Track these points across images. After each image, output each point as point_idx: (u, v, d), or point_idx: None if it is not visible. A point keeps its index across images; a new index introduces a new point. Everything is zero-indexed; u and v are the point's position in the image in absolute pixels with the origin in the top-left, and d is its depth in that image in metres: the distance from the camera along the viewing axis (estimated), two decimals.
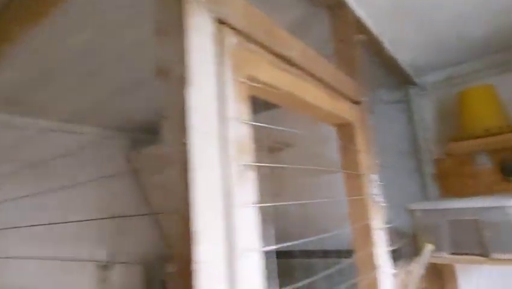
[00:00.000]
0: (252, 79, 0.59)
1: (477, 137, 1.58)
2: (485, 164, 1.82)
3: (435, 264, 1.83)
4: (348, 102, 1.00)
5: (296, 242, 0.66)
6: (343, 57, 1.08)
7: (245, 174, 0.53)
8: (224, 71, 0.53)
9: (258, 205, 0.54)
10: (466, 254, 1.17)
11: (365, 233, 0.94)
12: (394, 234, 1.37)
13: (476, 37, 1.62)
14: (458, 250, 1.18)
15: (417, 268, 1.13)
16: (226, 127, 0.52)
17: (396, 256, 1.25)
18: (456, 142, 1.64)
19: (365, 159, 1.00)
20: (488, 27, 1.54)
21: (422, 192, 1.93)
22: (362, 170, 0.98)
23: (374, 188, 1.00)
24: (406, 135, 2.05)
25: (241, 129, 0.54)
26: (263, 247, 0.53)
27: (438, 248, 1.20)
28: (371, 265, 0.92)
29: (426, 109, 2.02)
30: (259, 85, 0.58)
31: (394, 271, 1.00)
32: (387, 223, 1.07)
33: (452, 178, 1.91)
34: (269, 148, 1.69)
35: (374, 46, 1.49)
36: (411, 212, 1.25)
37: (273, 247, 0.54)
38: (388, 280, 0.96)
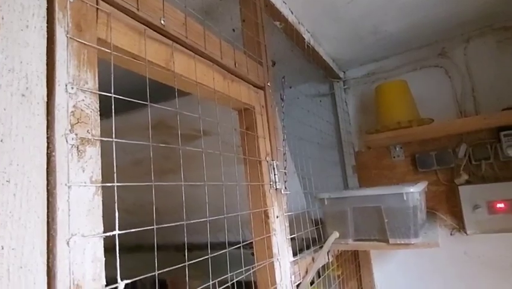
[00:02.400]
0: (103, 43, 0.52)
1: (390, 130, 1.65)
2: (399, 156, 1.91)
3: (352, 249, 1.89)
4: (250, 86, 0.97)
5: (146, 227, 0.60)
6: (249, 41, 1.04)
7: (82, 148, 0.46)
8: (55, 29, 0.45)
9: (97, 185, 0.47)
10: (369, 240, 1.20)
11: (263, 220, 0.92)
12: (311, 223, 1.37)
13: (392, 33, 1.69)
14: (361, 237, 1.21)
15: (321, 255, 1.13)
16: (60, 95, 0.45)
17: (309, 244, 1.25)
18: (372, 135, 1.70)
19: (266, 145, 0.98)
20: (401, 24, 1.61)
21: (344, 184, 1.99)
22: (262, 156, 0.95)
23: (275, 175, 0.98)
24: (331, 128, 2.10)
25: (81, 97, 0.47)
26: (100, 233, 0.47)
27: (344, 235, 1.22)
28: (268, 253, 0.90)
29: (348, 104, 2.08)
30: (108, 51, 0.52)
31: (292, 258, 0.99)
32: (290, 210, 1.06)
33: (371, 170, 1.99)
34: (186, 136, 1.62)
35: (295, 38, 1.48)
36: (320, 200, 1.26)
37: (113, 233, 0.48)
38: (286, 267, 0.95)
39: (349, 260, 1.84)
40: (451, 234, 1.77)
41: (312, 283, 1.57)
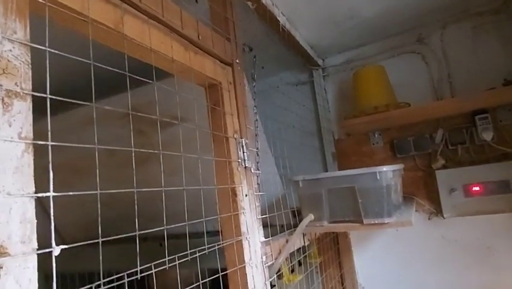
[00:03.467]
0: None
1: (368, 114, 1.64)
2: (378, 143, 1.91)
3: (333, 232, 1.88)
4: (216, 61, 0.94)
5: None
6: (216, 15, 1.01)
7: (8, 101, 0.42)
8: None
9: (27, 142, 0.44)
10: (344, 222, 1.19)
11: (230, 198, 0.89)
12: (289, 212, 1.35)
13: (368, 18, 1.68)
14: (336, 218, 1.20)
15: (294, 236, 1.11)
16: None
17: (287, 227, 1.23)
18: (350, 120, 1.69)
19: (234, 122, 0.95)
20: (377, 8, 1.60)
21: (324, 170, 1.98)
22: (229, 132, 0.92)
23: (244, 153, 0.95)
24: (311, 116, 2.09)
25: (7, 47, 0.44)
26: (31, 193, 0.43)
27: (319, 218, 1.20)
28: (235, 231, 0.88)
29: (328, 91, 2.07)
30: (43, 1, 0.48)
31: (263, 239, 0.97)
32: (265, 195, 1.03)
33: (350, 157, 1.99)
34: (161, 123, 1.58)
35: (269, 20, 1.45)
36: (295, 183, 1.24)
37: (47, 194, 0.45)
38: (256, 247, 0.92)
39: (328, 247, 1.83)
40: (429, 218, 1.77)
41: (292, 271, 1.55)
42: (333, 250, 1.89)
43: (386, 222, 1.10)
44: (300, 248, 1.36)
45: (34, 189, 0.44)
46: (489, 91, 1.50)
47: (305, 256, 1.61)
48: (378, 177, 1.11)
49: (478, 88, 1.66)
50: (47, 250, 0.44)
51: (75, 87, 1.44)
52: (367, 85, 1.71)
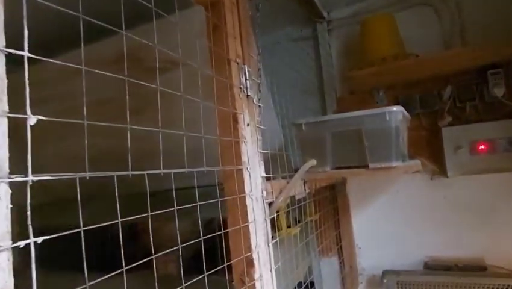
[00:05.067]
0: None
1: (374, 65, 1.56)
2: (383, 101, 1.84)
3: (331, 192, 1.84)
4: None
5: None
6: None
7: None
8: None
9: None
10: (348, 167, 1.13)
11: (231, 124, 0.82)
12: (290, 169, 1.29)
13: None
14: (340, 164, 1.14)
15: (295, 178, 1.05)
16: None
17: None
18: (354, 71, 1.62)
19: (237, 46, 0.87)
20: None
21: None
22: (231, 55, 0.84)
23: (246, 80, 0.87)
24: (313, 73, 2.00)
25: None
26: None
27: (322, 163, 1.14)
28: (236, 160, 0.81)
29: (332, 46, 1.98)
30: None
31: (264, 174, 0.91)
32: (266, 149, 0.96)
33: None
34: (155, 69, 1.49)
35: None
36: (297, 127, 1.17)
37: None
38: (257, 180, 0.86)
39: (326, 205, 1.80)
40: (431, 179, 1.73)
41: (289, 226, 1.51)
42: (331, 209, 1.85)
43: (394, 166, 1.05)
44: (296, 207, 1.31)
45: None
46: (504, 43, 1.43)
47: (302, 213, 1.57)
48: (387, 118, 1.04)
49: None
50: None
51: (61, 33, 1.34)
52: (376, 35, 1.62)
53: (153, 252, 0.61)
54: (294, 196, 1.54)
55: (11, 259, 0.34)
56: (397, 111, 1.04)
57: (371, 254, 1.84)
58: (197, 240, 0.70)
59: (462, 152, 1.57)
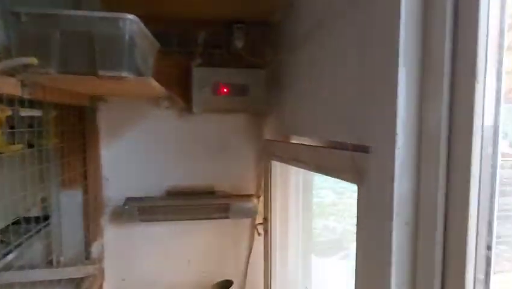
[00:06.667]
0: None
1: None
2: None
3: (81, 123, 1.70)
4: None
5: None
6: None
7: None
8: None
9: None
10: (75, 73, 1.04)
11: None
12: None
13: None
14: (67, 69, 1.03)
15: None
16: None
17: None
18: None
19: None
20: None
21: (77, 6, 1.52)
22: None
23: None
24: None
25: None
26: None
27: (46, 65, 1.00)
28: None
29: None
30: None
31: None
32: None
33: None
34: None
35: None
36: (15, 16, 0.97)
37: None
38: None
39: (75, 135, 1.66)
40: (180, 115, 1.88)
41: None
42: (78, 140, 1.71)
43: (123, 76, 1.04)
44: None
45: None
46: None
47: (37, 136, 1.38)
48: (121, 25, 1.01)
49: None
50: None
51: None
52: None
53: None
54: (23, 116, 1.33)
55: None
56: (132, 19, 1.02)
57: (119, 186, 1.84)
58: None
59: (206, 91, 1.77)
